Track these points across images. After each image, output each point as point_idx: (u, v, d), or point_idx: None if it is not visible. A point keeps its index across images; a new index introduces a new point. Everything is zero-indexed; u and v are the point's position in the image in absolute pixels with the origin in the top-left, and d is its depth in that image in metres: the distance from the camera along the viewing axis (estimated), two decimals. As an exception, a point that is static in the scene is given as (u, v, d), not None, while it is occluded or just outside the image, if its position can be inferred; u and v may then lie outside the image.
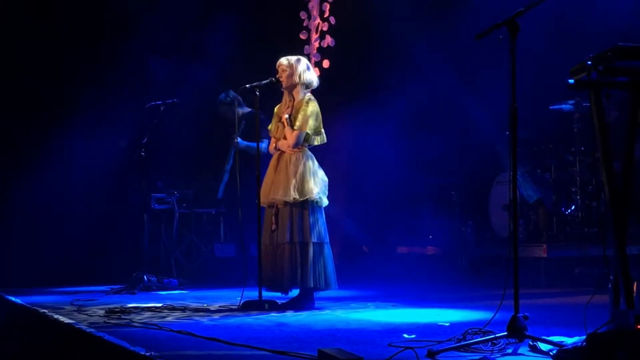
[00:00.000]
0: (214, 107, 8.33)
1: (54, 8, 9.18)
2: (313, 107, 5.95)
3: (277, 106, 6.18)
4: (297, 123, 5.90)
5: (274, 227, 5.86)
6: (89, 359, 4.46)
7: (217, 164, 8.38)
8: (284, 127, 5.98)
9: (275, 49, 6.62)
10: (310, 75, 6.07)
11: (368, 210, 9.47)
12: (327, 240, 5.92)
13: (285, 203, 5.82)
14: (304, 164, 5.89)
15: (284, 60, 6.03)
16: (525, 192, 8.08)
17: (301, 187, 5.82)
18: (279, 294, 5.98)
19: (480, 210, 8.80)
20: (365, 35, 9.37)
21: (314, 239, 5.82)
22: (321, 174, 5.98)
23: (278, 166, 5.96)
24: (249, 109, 8.11)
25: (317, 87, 6.12)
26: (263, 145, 7.68)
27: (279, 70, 6.04)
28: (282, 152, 5.99)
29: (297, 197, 5.79)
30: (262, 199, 5.98)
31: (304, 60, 6.09)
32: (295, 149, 5.92)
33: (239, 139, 7.85)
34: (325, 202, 5.94)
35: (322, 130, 6.03)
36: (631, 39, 3.65)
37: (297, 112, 5.95)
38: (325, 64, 8.46)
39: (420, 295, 6.85)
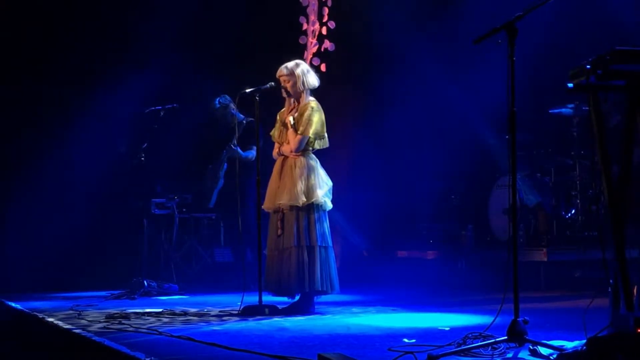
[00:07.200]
0: (209, 112, 8.34)
1: (53, 11, 9.17)
2: (317, 111, 5.93)
3: (280, 112, 6.17)
4: (301, 128, 5.89)
5: (279, 232, 5.85)
6: (88, 365, 4.46)
7: (215, 169, 8.38)
8: (287, 129, 5.97)
9: (274, 54, 6.61)
10: (312, 77, 6.06)
11: (368, 214, 9.46)
12: (330, 243, 5.92)
13: (291, 207, 5.81)
14: (309, 168, 5.88)
15: (284, 70, 6.00)
16: (525, 196, 8.07)
17: (307, 191, 5.81)
18: (279, 299, 5.97)
19: (480, 214, 8.79)
20: (365, 39, 9.37)
21: (320, 243, 5.81)
22: (325, 177, 5.97)
23: (282, 171, 5.95)
24: (243, 117, 8.09)
25: (317, 90, 6.11)
26: (252, 152, 7.68)
27: (281, 80, 6.01)
28: (286, 157, 5.98)
29: (305, 200, 5.79)
30: (267, 204, 5.97)
31: (302, 64, 6.08)
32: (298, 154, 5.91)
33: (239, 149, 7.84)
34: (329, 205, 5.93)
35: (325, 134, 6.02)
36: (631, 42, 3.64)
37: (301, 115, 5.94)
38: (323, 67, 8.45)
39: (420, 299, 6.85)
